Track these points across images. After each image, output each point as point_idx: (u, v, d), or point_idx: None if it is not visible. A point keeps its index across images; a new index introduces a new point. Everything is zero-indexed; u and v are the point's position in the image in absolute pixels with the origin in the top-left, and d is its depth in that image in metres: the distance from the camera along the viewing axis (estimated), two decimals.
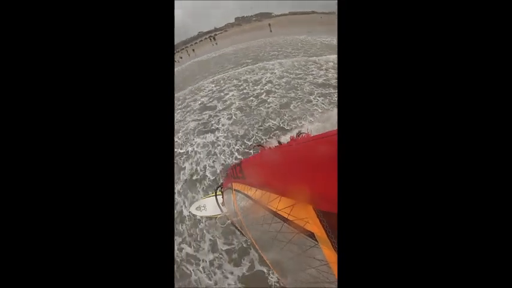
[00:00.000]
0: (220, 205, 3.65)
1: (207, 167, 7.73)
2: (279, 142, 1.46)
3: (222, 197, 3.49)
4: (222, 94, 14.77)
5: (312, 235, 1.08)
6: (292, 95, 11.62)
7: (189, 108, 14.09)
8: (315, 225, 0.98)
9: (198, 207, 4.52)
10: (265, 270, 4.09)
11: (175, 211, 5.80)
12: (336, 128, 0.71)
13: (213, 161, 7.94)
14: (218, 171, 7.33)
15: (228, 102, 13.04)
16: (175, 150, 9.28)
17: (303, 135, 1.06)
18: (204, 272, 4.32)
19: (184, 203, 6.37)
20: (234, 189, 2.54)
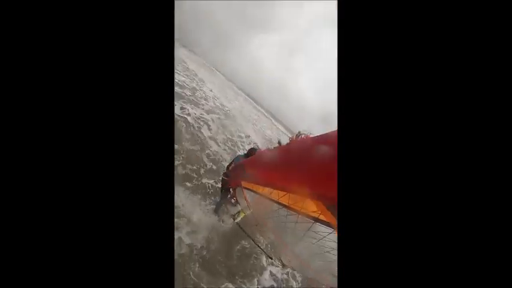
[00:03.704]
0: (231, 202, 3.69)
1: None
2: (279, 143, 1.47)
3: (234, 196, 3.54)
4: None
5: (328, 224, 1.13)
6: None
7: None
8: (327, 217, 1.02)
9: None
10: None
11: None
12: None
13: None
14: None
15: None
16: None
17: (302, 136, 1.07)
18: None
19: None
20: (244, 187, 2.59)
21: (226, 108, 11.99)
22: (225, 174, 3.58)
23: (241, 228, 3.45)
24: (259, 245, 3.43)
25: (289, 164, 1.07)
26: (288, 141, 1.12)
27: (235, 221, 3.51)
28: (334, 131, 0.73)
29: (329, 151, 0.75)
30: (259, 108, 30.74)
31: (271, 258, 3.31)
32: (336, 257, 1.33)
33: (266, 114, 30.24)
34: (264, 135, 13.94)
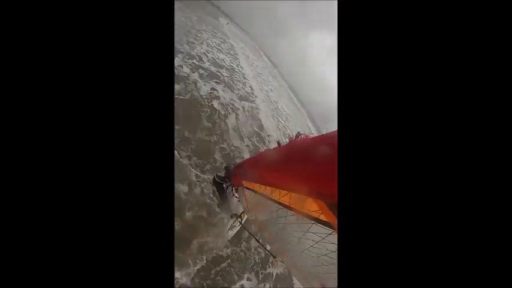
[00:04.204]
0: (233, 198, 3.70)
1: None
2: (278, 143, 1.49)
3: (236, 195, 3.55)
4: None
5: (328, 224, 1.12)
6: None
7: None
8: (328, 216, 1.02)
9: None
10: None
11: None
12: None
13: None
14: None
15: None
16: None
17: (302, 136, 1.08)
18: None
19: None
20: (245, 187, 2.60)
21: (262, 99, 10.81)
22: (215, 181, 3.57)
23: (245, 228, 3.46)
24: (264, 245, 3.43)
25: (290, 162, 1.08)
26: (288, 141, 1.13)
27: (240, 223, 3.51)
28: (334, 131, 0.73)
29: (330, 149, 0.76)
30: (297, 102, 29.50)
31: (275, 257, 3.30)
32: (333, 259, 1.33)
33: (301, 109, 29.13)
34: (291, 133, 12.91)
